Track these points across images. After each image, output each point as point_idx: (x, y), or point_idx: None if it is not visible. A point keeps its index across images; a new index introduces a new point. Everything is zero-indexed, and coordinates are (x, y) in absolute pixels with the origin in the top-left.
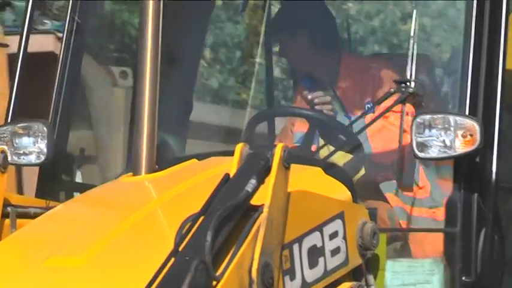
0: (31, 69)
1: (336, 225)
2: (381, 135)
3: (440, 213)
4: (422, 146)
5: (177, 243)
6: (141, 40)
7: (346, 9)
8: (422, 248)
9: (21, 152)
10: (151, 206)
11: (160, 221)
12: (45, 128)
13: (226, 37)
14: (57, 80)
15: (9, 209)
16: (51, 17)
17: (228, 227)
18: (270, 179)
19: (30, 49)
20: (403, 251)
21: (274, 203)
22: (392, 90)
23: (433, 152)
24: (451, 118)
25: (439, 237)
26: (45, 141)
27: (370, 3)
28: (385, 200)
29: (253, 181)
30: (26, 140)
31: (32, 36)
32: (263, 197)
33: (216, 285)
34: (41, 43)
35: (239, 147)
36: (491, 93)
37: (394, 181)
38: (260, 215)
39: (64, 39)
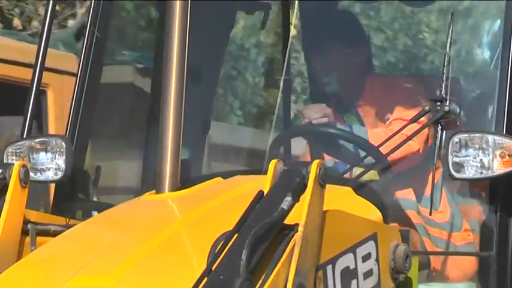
0: (110, 99)
1: (369, 247)
2: (401, 152)
3: (460, 237)
4: (459, 166)
5: (211, 262)
6: (167, 47)
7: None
8: (454, 271)
9: (39, 168)
10: (177, 225)
11: (187, 240)
12: (63, 143)
13: (245, 53)
14: (75, 94)
15: (29, 226)
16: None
17: (262, 245)
18: (306, 197)
19: (108, 80)
20: (435, 275)
21: (309, 222)
22: (427, 108)
23: (470, 173)
24: (490, 137)
25: (472, 260)
26: (63, 157)
27: None
28: (412, 223)
29: (288, 199)
30: (43, 156)
31: (110, 67)
32: (298, 215)
33: None
34: (119, 74)
35: (273, 164)
36: None
37: (414, 200)
38: (295, 234)
39: (83, 54)
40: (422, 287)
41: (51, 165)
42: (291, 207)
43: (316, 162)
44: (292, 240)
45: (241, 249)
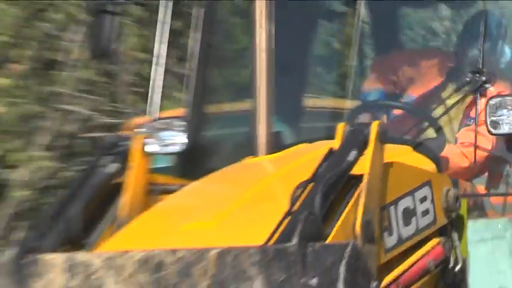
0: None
1: (425, 191)
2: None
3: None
4: (495, 124)
5: (291, 205)
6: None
7: None
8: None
9: (164, 143)
10: (268, 180)
11: (275, 190)
12: (184, 123)
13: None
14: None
15: (152, 187)
16: None
17: (334, 191)
18: (368, 151)
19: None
20: (481, 214)
21: (372, 171)
22: (467, 79)
23: (504, 129)
24: None
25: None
26: (184, 134)
27: None
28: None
29: (353, 153)
30: (167, 133)
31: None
32: (362, 168)
33: (326, 239)
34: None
35: (341, 126)
36: None
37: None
38: (361, 182)
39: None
40: (471, 223)
41: (174, 140)
42: (356, 159)
43: (376, 122)
44: (358, 187)
45: (315, 193)
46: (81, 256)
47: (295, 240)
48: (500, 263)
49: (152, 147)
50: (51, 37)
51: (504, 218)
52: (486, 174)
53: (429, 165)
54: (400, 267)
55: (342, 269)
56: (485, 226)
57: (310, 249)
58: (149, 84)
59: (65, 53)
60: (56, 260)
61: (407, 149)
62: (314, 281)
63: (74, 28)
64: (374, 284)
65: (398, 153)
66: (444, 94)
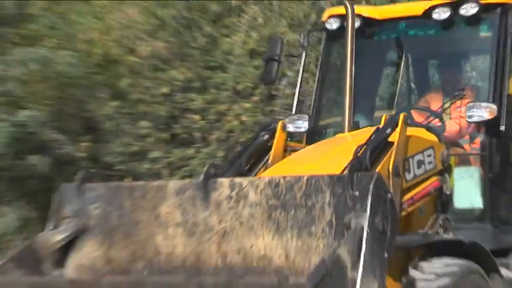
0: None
1: (430, 151)
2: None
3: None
4: (470, 117)
5: (354, 157)
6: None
7: None
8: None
9: (296, 126)
10: (345, 144)
11: (348, 149)
12: (307, 117)
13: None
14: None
15: (287, 148)
16: None
17: (377, 149)
18: (398, 129)
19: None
20: (462, 164)
21: (400, 140)
22: (456, 94)
23: (474, 119)
24: (482, 104)
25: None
26: (307, 123)
27: None
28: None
29: (388, 130)
30: (299, 122)
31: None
32: (394, 138)
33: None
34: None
35: (384, 117)
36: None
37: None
38: (393, 145)
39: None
40: (456, 168)
41: (301, 125)
42: (390, 133)
43: (402, 114)
44: (391, 148)
45: (366, 151)
46: (237, 179)
47: (347, 172)
48: (471, 191)
49: (289, 127)
50: None
51: (473, 166)
52: (467, 138)
53: (433, 138)
54: (414, 190)
55: (371, 186)
56: (464, 170)
57: (355, 176)
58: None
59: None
60: (225, 182)
61: (422, 129)
62: (357, 193)
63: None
64: (389, 195)
65: (417, 131)
66: (445, 104)
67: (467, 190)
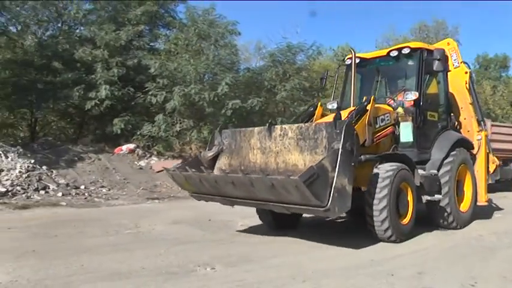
0: None
1: (388, 114)
2: None
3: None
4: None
5: (347, 115)
6: None
7: None
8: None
9: (332, 105)
10: (345, 112)
11: (345, 114)
12: (336, 102)
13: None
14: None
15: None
16: None
17: (360, 112)
18: (370, 104)
19: None
20: (405, 120)
21: (371, 109)
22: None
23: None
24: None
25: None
26: (336, 105)
27: None
28: None
29: (365, 103)
30: (333, 104)
31: None
32: (368, 108)
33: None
34: None
35: (364, 98)
36: None
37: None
38: (368, 111)
39: None
40: (402, 123)
41: (334, 106)
42: (366, 106)
43: (372, 96)
44: (366, 113)
45: (352, 115)
46: (284, 126)
47: (333, 120)
48: (407, 133)
49: (328, 106)
50: None
51: (409, 122)
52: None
53: (390, 109)
54: (380, 133)
55: (345, 127)
56: (405, 124)
57: (337, 123)
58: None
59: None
60: (278, 127)
61: (385, 105)
62: (338, 131)
63: None
64: (355, 132)
65: (383, 106)
66: (397, 94)
67: (406, 133)
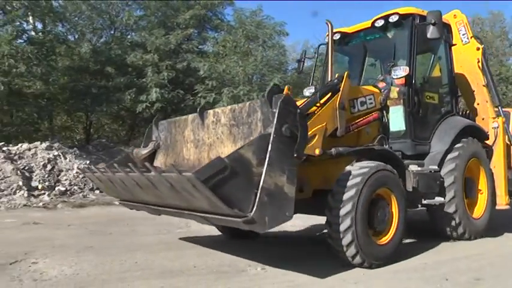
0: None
1: (371, 96)
2: None
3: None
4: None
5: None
6: None
7: None
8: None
9: (310, 91)
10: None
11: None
12: (313, 87)
13: None
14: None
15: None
16: None
17: (327, 92)
18: (343, 81)
19: None
20: (394, 104)
21: (344, 88)
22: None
23: (398, 75)
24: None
25: None
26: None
27: None
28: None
29: (336, 81)
30: (311, 89)
31: None
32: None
33: (319, 109)
34: None
35: (337, 75)
36: None
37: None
38: (340, 91)
39: None
40: (391, 107)
41: (311, 91)
42: (337, 84)
43: (346, 72)
44: (338, 93)
45: (317, 91)
46: (216, 109)
47: (266, 94)
48: (398, 120)
49: (305, 92)
50: None
51: (400, 105)
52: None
53: (376, 90)
54: (358, 119)
55: (280, 103)
56: (395, 108)
57: (274, 98)
58: None
59: None
60: (210, 111)
61: (371, 86)
62: (274, 110)
63: None
64: (298, 110)
65: (368, 87)
66: (385, 72)
67: (396, 120)
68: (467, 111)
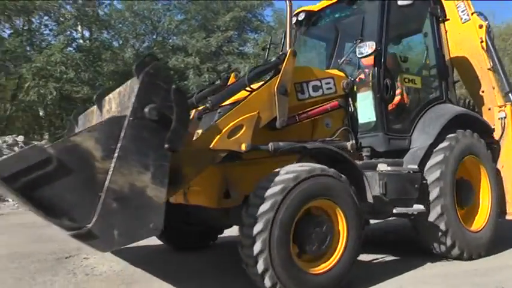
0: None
1: (329, 80)
2: None
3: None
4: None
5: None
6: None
7: None
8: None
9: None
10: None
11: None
12: None
13: None
14: None
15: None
16: None
17: (263, 72)
18: (285, 60)
19: None
20: (363, 90)
21: (286, 68)
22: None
23: (364, 53)
24: None
25: None
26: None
27: None
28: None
29: (276, 61)
30: None
31: None
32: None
33: (251, 92)
34: None
35: (283, 55)
36: None
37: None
38: (280, 74)
39: None
40: (358, 94)
41: None
42: (278, 64)
43: (290, 49)
44: (279, 74)
45: (250, 71)
46: (110, 95)
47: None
48: (369, 109)
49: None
50: None
51: (368, 91)
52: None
53: (340, 73)
54: (310, 107)
55: (142, 77)
56: (362, 95)
57: (143, 74)
58: None
59: None
60: (106, 98)
61: (335, 70)
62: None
63: None
64: (173, 86)
65: (332, 70)
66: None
67: (365, 109)
68: (469, 101)
